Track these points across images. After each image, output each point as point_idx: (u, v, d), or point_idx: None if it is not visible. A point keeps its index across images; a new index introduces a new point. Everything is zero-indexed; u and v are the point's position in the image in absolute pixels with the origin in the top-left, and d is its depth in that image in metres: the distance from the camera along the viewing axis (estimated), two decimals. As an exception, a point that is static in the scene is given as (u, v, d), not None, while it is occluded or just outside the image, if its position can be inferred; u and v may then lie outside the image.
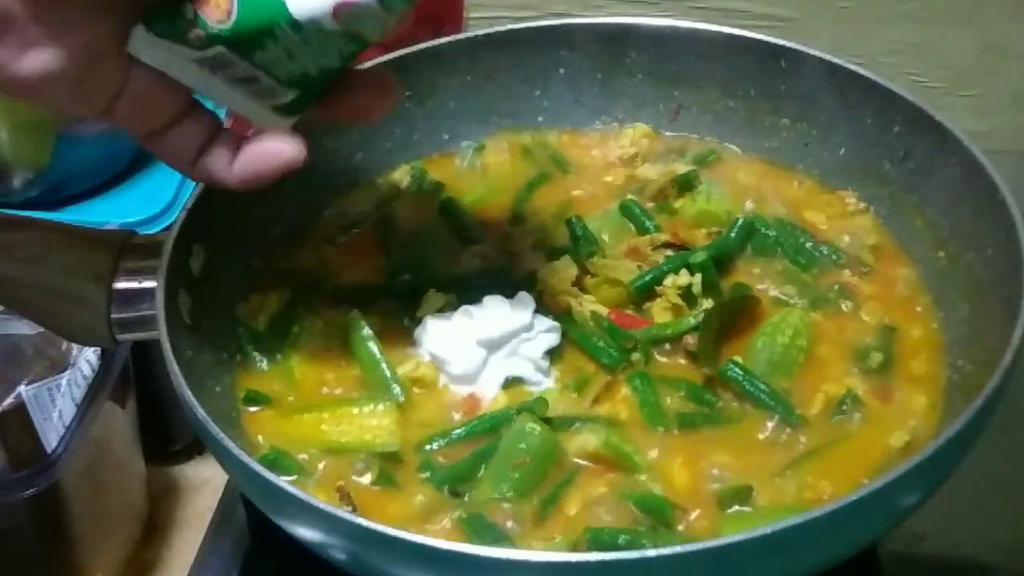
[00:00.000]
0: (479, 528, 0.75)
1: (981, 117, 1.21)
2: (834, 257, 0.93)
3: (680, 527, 0.75)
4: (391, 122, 1.02)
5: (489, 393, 0.84)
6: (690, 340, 0.85)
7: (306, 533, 0.72)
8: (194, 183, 0.87)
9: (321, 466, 0.81)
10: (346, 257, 0.96)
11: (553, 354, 0.86)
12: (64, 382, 0.93)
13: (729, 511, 0.76)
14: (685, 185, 0.98)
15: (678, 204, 0.98)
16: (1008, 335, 0.74)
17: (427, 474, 0.79)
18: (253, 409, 0.85)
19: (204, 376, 0.83)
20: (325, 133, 0.99)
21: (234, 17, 0.66)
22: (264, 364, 0.88)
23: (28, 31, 0.64)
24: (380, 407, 0.83)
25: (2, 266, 0.79)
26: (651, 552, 0.64)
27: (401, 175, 1.03)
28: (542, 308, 0.88)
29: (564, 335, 0.86)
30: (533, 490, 0.78)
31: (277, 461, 0.80)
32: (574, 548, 0.74)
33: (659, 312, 0.88)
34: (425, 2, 1.21)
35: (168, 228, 0.85)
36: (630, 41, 1.03)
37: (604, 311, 0.88)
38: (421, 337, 0.87)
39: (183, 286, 0.84)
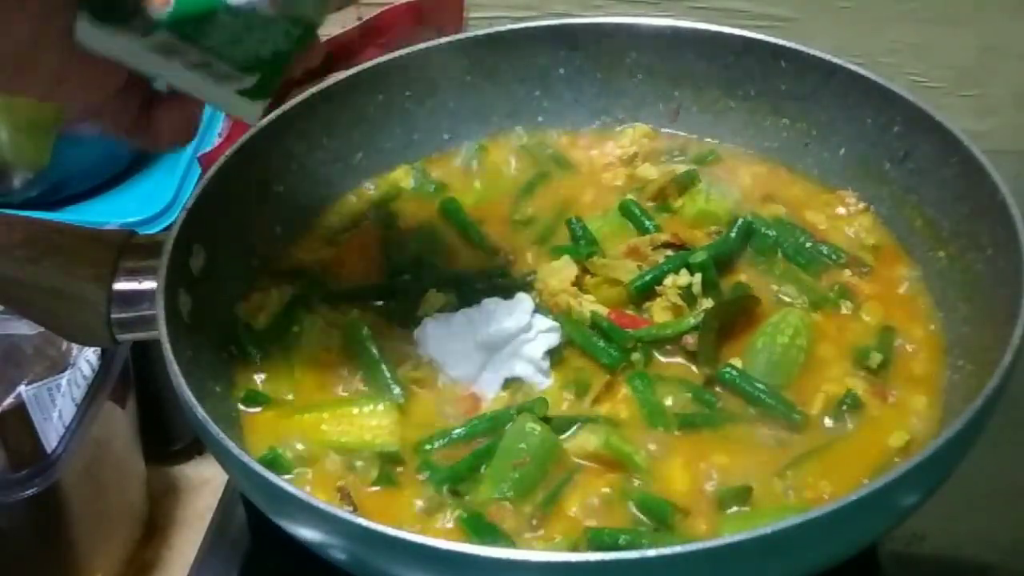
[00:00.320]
0: (479, 528, 0.75)
1: (981, 117, 1.21)
2: (834, 257, 0.93)
3: (680, 527, 0.75)
4: (391, 122, 1.02)
5: (489, 393, 0.84)
6: (690, 340, 0.85)
7: (306, 533, 0.72)
8: (194, 183, 0.86)
9: (321, 466, 0.81)
10: (346, 257, 0.96)
11: (553, 354, 0.86)
12: (64, 382, 0.93)
13: (729, 511, 0.76)
14: (685, 184, 0.98)
15: (678, 204, 0.98)
16: (1008, 335, 0.74)
17: (427, 474, 0.79)
18: (253, 409, 0.85)
19: (204, 376, 0.83)
20: (325, 133, 0.99)
21: (172, 2, 0.67)
22: (264, 364, 0.88)
23: None
24: (380, 407, 0.83)
25: (2, 266, 0.79)
26: (651, 552, 0.64)
27: (401, 175, 1.03)
28: (542, 308, 0.88)
29: (564, 335, 0.86)
30: (533, 490, 0.78)
31: (277, 461, 0.80)
32: (574, 548, 0.74)
33: (659, 312, 0.88)
34: (425, 2, 1.21)
35: (168, 228, 0.85)
36: (630, 41, 1.03)
37: (604, 311, 0.88)
38: (420, 339, 0.87)
39: (183, 286, 0.84)
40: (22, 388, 0.92)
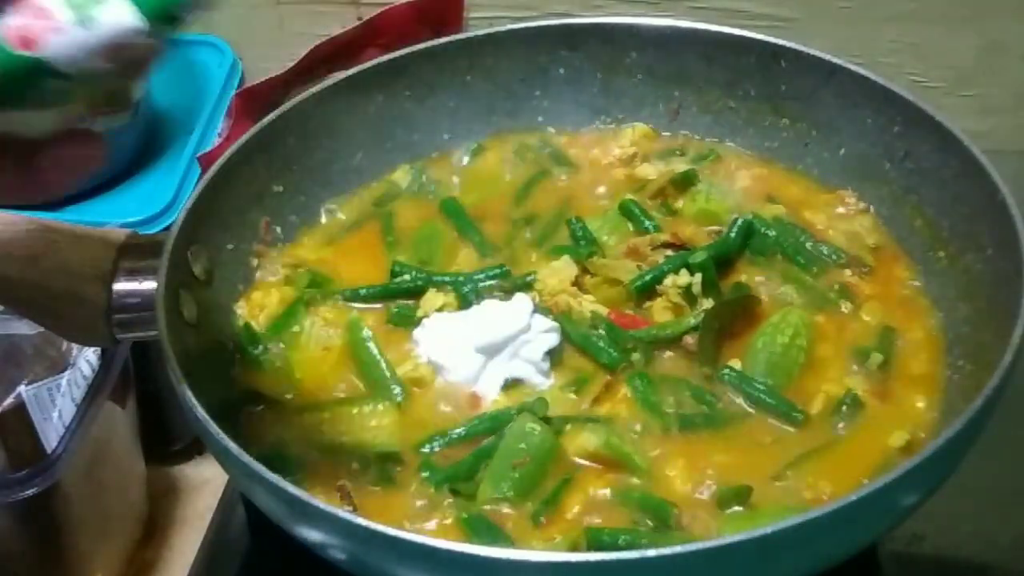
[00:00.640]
0: (479, 528, 0.75)
1: (981, 117, 1.21)
2: (834, 257, 0.93)
3: (680, 527, 0.75)
4: (391, 122, 1.02)
5: (489, 393, 0.84)
6: (690, 340, 0.85)
7: (306, 533, 0.72)
8: (194, 183, 0.86)
9: (321, 466, 0.81)
10: (346, 257, 0.96)
11: (553, 354, 0.86)
12: (64, 382, 0.93)
13: (729, 511, 0.76)
14: (685, 183, 0.98)
15: (678, 204, 0.98)
16: (1008, 335, 0.74)
17: (427, 474, 0.79)
18: (253, 408, 0.85)
19: (204, 376, 0.83)
20: (325, 133, 0.99)
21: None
22: (264, 364, 0.88)
23: None
24: (380, 407, 0.83)
25: (2, 266, 0.79)
26: (651, 552, 0.64)
27: (401, 175, 1.03)
28: (541, 308, 0.88)
29: (564, 335, 0.86)
30: (533, 490, 0.78)
31: (277, 461, 0.80)
32: (574, 548, 0.74)
33: (659, 312, 0.88)
34: (425, 2, 1.21)
35: (168, 228, 0.85)
36: (630, 41, 1.03)
37: (604, 311, 0.88)
38: (420, 340, 0.87)
39: (183, 286, 0.84)
40: (22, 388, 0.92)
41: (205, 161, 1.10)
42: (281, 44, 1.25)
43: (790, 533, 0.65)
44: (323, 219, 0.99)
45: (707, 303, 0.88)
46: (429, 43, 1.03)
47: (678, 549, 0.64)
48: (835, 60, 0.97)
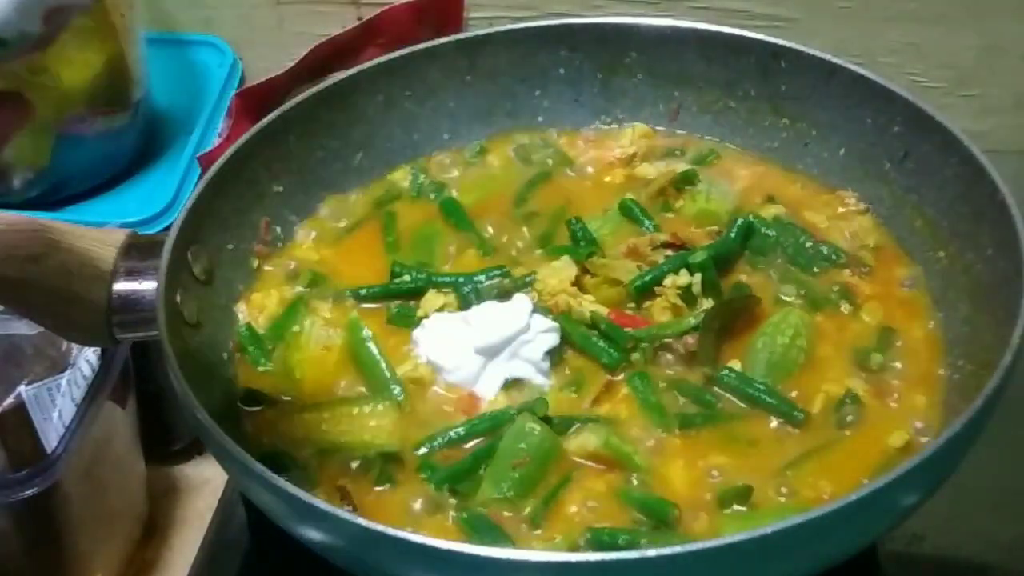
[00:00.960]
0: (479, 528, 0.75)
1: (981, 117, 1.21)
2: (834, 257, 0.93)
3: (680, 527, 0.75)
4: (391, 122, 1.02)
5: (489, 393, 0.84)
6: (690, 340, 0.85)
7: (306, 533, 0.72)
8: (194, 183, 0.86)
9: (321, 466, 0.81)
10: (346, 257, 0.96)
11: (553, 354, 0.86)
12: (64, 382, 0.93)
13: (729, 511, 0.76)
14: (685, 183, 0.98)
15: (678, 204, 0.98)
16: (1008, 335, 0.74)
17: (427, 474, 0.79)
18: (252, 408, 0.85)
19: (204, 376, 0.83)
20: (325, 133, 0.99)
21: None
22: (264, 364, 0.88)
23: None
24: (380, 407, 0.83)
25: (2, 266, 0.79)
26: (651, 552, 0.64)
27: (401, 175, 1.03)
28: (541, 308, 0.88)
29: (564, 335, 0.86)
30: (533, 490, 0.78)
31: (277, 461, 0.80)
32: (574, 548, 0.74)
33: (659, 312, 0.88)
34: (425, 2, 1.21)
35: (168, 228, 0.85)
36: (630, 41, 1.03)
37: (604, 311, 0.88)
38: (420, 341, 0.87)
39: (183, 286, 0.84)
40: (22, 388, 0.92)
41: (205, 161, 1.10)
42: (281, 44, 1.26)
43: (790, 533, 0.65)
44: (323, 219, 0.99)
45: (707, 303, 0.88)
46: (429, 43, 1.03)
47: (678, 549, 0.64)
48: (835, 60, 0.97)
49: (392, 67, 1.01)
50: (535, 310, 0.87)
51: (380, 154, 1.03)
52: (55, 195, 1.14)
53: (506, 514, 0.77)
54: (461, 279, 0.92)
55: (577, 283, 0.90)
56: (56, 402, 0.92)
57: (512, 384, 0.85)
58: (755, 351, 0.85)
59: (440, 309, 0.89)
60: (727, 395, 0.83)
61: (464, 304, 0.89)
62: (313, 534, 0.71)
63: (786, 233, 0.94)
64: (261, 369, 0.88)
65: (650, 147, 1.04)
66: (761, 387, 0.83)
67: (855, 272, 0.92)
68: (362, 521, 0.67)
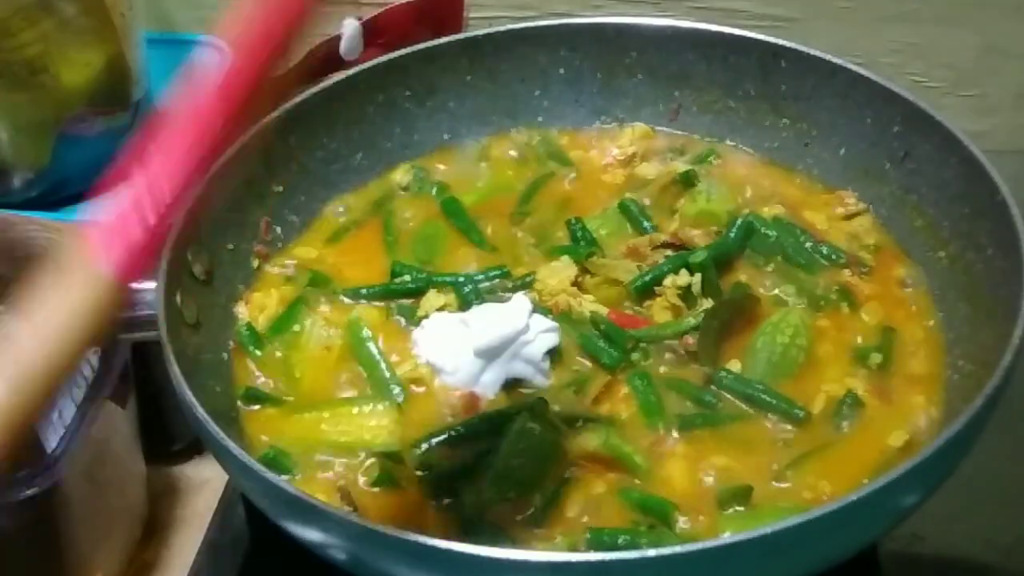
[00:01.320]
0: (479, 528, 0.75)
1: (981, 117, 1.21)
2: (834, 257, 0.93)
3: (680, 527, 0.75)
4: (391, 122, 1.02)
5: (489, 393, 0.84)
6: (690, 340, 0.85)
7: (306, 533, 0.71)
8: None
9: (321, 466, 0.81)
10: (346, 257, 0.96)
11: (553, 354, 0.86)
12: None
13: (729, 511, 0.76)
14: (685, 182, 0.98)
15: (678, 204, 0.98)
16: (1008, 335, 0.74)
17: (427, 473, 0.79)
18: (253, 408, 0.85)
19: (204, 376, 0.83)
20: (325, 133, 0.99)
21: None
22: (264, 363, 0.88)
23: None
24: (380, 407, 0.83)
25: (2, 266, 0.79)
26: (651, 552, 0.64)
27: (401, 175, 1.03)
28: (542, 308, 0.88)
29: (564, 335, 0.86)
30: (533, 490, 0.77)
31: (277, 460, 0.80)
32: (574, 548, 0.74)
33: (659, 312, 0.88)
34: (425, 2, 1.21)
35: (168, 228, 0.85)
36: (630, 41, 1.03)
37: (604, 311, 0.88)
38: (419, 342, 0.87)
39: (183, 286, 0.84)
40: (22, 388, 0.92)
41: (205, 161, 1.10)
42: (281, 44, 1.25)
43: (790, 533, 0.65)
44: (323, 219, 0.99)
45: (707, 303, 0.88)
46: (429, 43, 1.03)
47: (678, 549, 0.64)
48: (835, 60, 0.97)
49: (392, 67, 1.01)
50: (535, 310, 0.87)
51: (380, 154, 1.03)
52: (55, 195, 1.14)
53: (506, 514, 0.77)
54: (461, 279, 0.92)
55: (577, 283, 0.90)
56: (56, 402, 0.92)
57: (512, 384, 0.85)
58: (755, 351, 0.85)
59: (440, 309, 0.89)
60: (727, 395, 0.83)
61: (464, 304, 0.89)
62: (313, 534, 0.71)
63: (786, 233, 0.94)
64: (261, 369, 0.88)
65: (650, 147, 1.04)
66: (761, 387, 0.83)
67: (855, 272, 0.92)
68: (362, 521, 0.67)
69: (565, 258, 0.91)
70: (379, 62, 1.01)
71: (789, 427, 0.81)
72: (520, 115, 1.06)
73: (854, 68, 0.96)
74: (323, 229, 0.99)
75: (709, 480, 0.78)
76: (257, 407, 0.85)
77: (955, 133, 0.88)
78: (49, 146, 1.11)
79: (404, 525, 0.74)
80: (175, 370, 0.76)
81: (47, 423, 0.92)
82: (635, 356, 0.85)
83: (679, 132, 1.05)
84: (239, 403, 0.85)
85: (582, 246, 0.94)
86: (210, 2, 1.29)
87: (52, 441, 0.91)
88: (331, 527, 0.69)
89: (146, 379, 1.00)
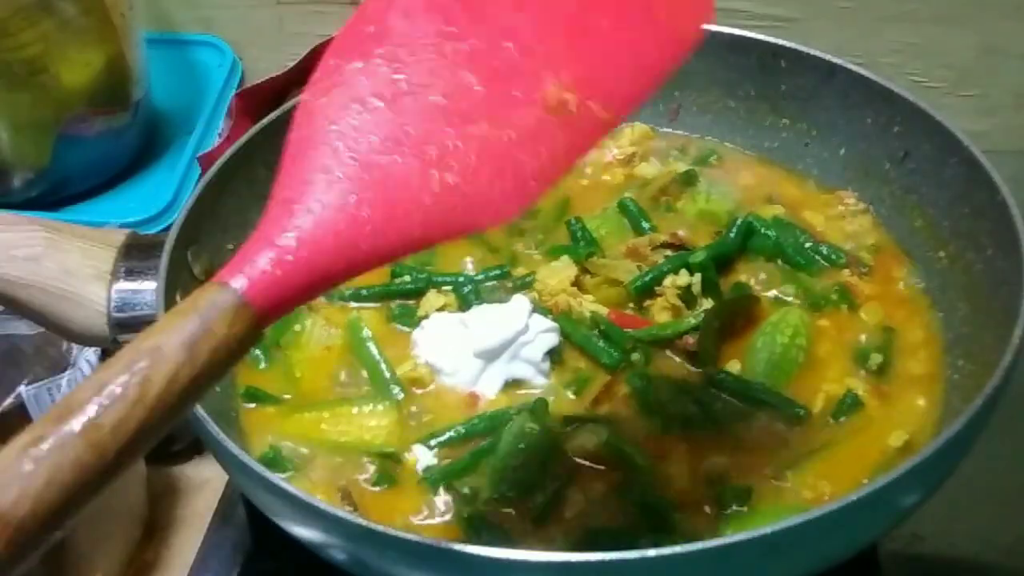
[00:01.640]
0: (479, 528, 0.75)
1: (981, 117, 1.21)
2: (834, 257, 0.93)
3: (680, 527, 0.75)
4: (391, 122, 1.02)
5: (489, 393, 0.84)
6: (690, 340, 0.85)
7: (306, 533, 0.71)
8: (194, 183, 0.86)
9: (321, 466, 0.81)
10: (346, 257, 0.96)
11: (553, 354, 0.86)
12: (64, 382, 0.93)
13: (729, 511, 0.76)
14: (685, 183, 0.98)
15: (678, 204, 0.98)
16: (1008, 335, 0.74)
17: (426, 473, 0.79)
18: (252, 407, 0.85)
19: (204, 376, 0.82)
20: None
21: None
22: (264, 363, 0.88)
23: None
24: (379, 407, 0.83)
25: (2, 266, 0.79)
26: (651, 552, 0.64)
27: (401, 175, 1.02)
28: (541, 309, 0.88)
29: (564, 335, 0.86)
30: (533, 490, 0.77)
31: (276, 460, 0.80)
32: (574, 548, 0.74)
33: (659, 312, 0.88)
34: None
35: (168, 228, 0.85)
36: (630, 41, 1.03)
37: (604, 311, 0.88)
38: (419, 343, 0.87)
39: (183, 286, 0.84)
40: (22, 388, 0.92)
41: (205, 161, 1.10)
42: (281, 44, 1.26)
43: (790, 533, 0.65)
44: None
45: (707, 303, 0.88)
46: (430, 43, 1.02)
47: (678, 549, 0.64)
48: (835, 60, 0.97)
49: (392, 67, 1.01)
50: (535, 310, 0.87)
51: (380, 154, 1.02)
52: (55, 195, 1.14)
53: (506, 514, 0.77)
54: (461, 279, 0.92)
55: (577, 283, 0.90)
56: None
57: (512, 384, 0.85)
58: (755, 351, 0.85)
59: (440, 309, 0.89)
60: (727, 395, 0.83)
61: (464, 304, 0.89)
62: (313, 534, 0.71)
63: (786, 233, 0.94)
64: (261, 368, 0.88)
65: (650, 147, 1.04)
66: (761, 387, 0.82)
67: (855, 272, 0.92)
68: (362, 521, 0.67)
69: (565, 258, 0.91)
70: (379, 62, 1.01)
71: (789, 427, 0.81)
72: (520, 115, 1.06)
73: (854, 68, 0.96)
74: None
75: (709, 480, 0.78)
76: (257, 406, 0.85)
77: (955, 133, 0.88)
78: (49, 146, 1.11)
79: (404, 525, 0.74)
80: (175, 370, 0.76)
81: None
82: (635, 356, 0.85)
83: (679, 132, 1.05)
84: (239, 403, 0.85)
85: (582, 246, 0.94)
86: (210, 2, 1.29)
87: (52, 441, 0.90)
88: (331, 527, 0.69)
89: (146, 379, 1.00)
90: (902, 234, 0.94)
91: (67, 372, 0.94)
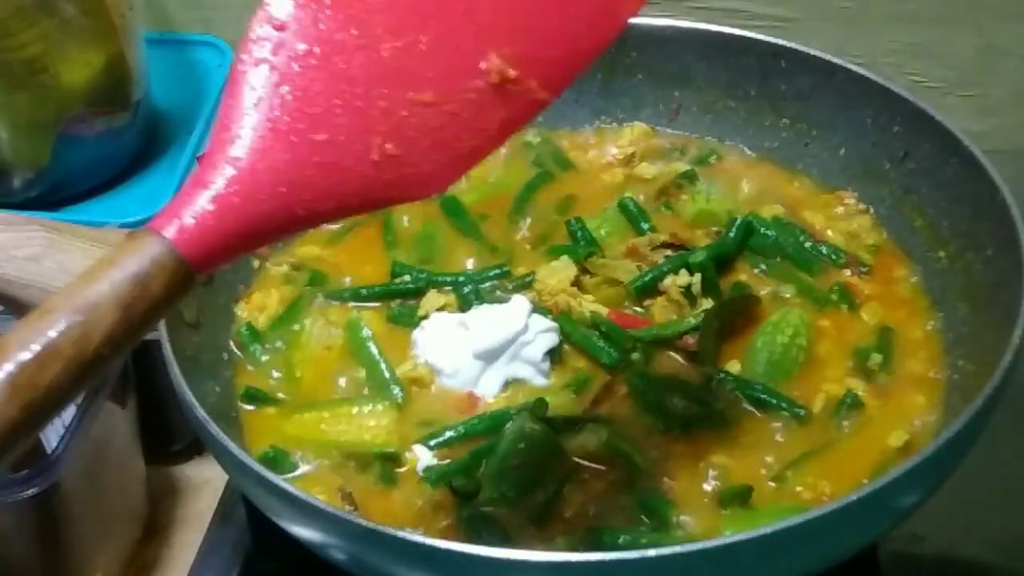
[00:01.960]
0: (479, 528, 0.75)
1: (981, 117, 1.21)
2: (834, 257, 0.93)
3: (680, 527, 0.75)
4: (391, 122, 1.02)
5: (488, 393, 0.84)
6: (690, 340, 0.85)
7: (306, 533, 0.71)
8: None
9: (321, 466, 0.81)
10: (346, 257, 0.96)
11: (553, 354, 0.86)
12: (64, 382, 0.93)
13: (729, 511, 0.76)
14: (685, 182, 0.98)
15: (678, 204, 0.98)
16: (1008, 335, 0.74)
17: (426, 473, 0.79)
18: (252, 407, 0.85)
19: (204, 376, 0.83)
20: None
21: None
22: (264, 363, 0.88)
23: None
24: (379, 407, 0.83)
25: (2, 266, 0.79)
26: (651, 552, 0.64)
27: (401, 175, 1.02)
28: (541, 309, 0.88)
29: (564, 335, 0.86)
30: (533, 490, 0.77)
31: (276, 460, 0.80)
32: (574, 548, 0.74)
33: (659, 312, 0.88)
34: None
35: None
36: (630, 41, 1.03)
37: (604, 311, 0.88)
38: (419, 343, 0.87)
39: (183, 286, 0.84)
40: (22, 388, 0.92)
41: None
42: (281, 44, 1.25)
43: (790, 533, 0.65)
44: (323, 219, 0.99)
45: (707, 303, 0.88)
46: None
47: (678, 549, 0.64)
48: (835, 60, 0.97)
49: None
50: (534, 310, 0.87)
51: (380, 154, 1.02)
52: (55, 195, 1.14)
53: (506, 514, 0.77)
54: (461, 279, 0.92)
55: (577, 283, 0.90)
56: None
57: (512, 384, 0.85)
58: (755, 351, 0.85)
59: (440, 309, 0.89)
60: (727, 395, 0.83)
61: (464, 304, 0.89)
62: (313, 534, 0.71)
63: (786, 233, 0.94)
64: (261, 368, 0.88)
65: (650, 147, 1.04)
66: (761, 387, 0.83)
67: (855, 272, 0.92)
68: (362, 521, 0.67)
69: (565, 258, 0.91)
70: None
71: (789, 427, 0.81)
72: (520, 115, 1.06)
73: (854, 68, 0.96)
74: (323, 229, 0.98)
75: (709, 480, 0.78)
76: (257, 407, 0.85)
77: (955, 133, 0.88)
78: (49, 146, 1.11)
79: (404, 525, 0.74)
80: (175, 370, 0.76)
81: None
82: (635, 356, 0.85)
83: (679, 132, 1.05)
84: (239, 403, 0.85)
85: (582, 246, 0.94)
86: (210, 2, 1.29)
87: (52, 441, 0.91)
88: (331, 527, 0.69)
89: (146, 379, 1.00)
90: (902, 234, 0.94)
91: (67, 372, 0.93)
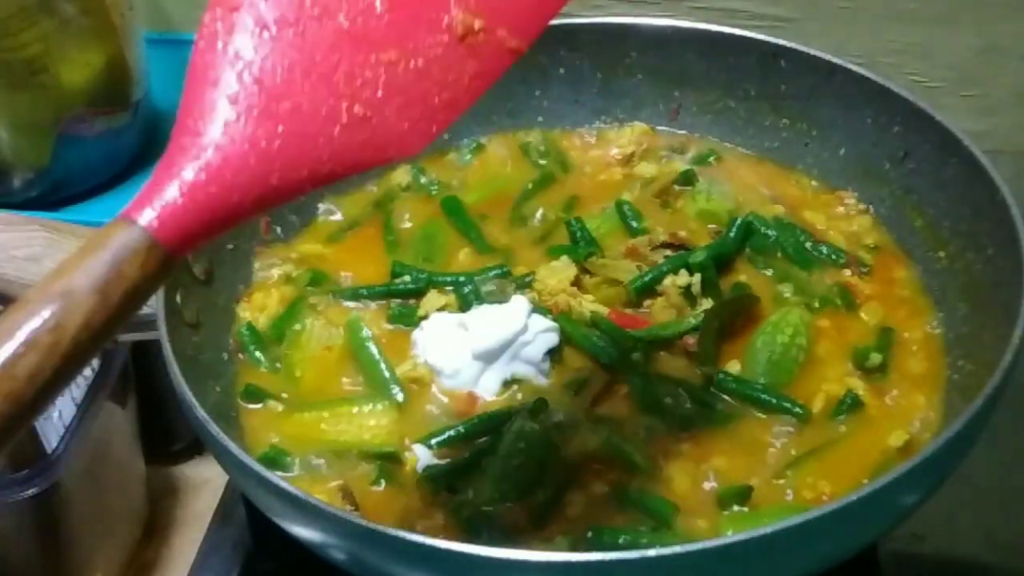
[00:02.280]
0: (479, 528, 0.75)
1: (981, 117, 1.21)
2: (834, 257, 0.93)
3: (680, 527, 0.75)
4: (391, 122, 1.02)
5: (489, 393, 0.84)
6: (690, 340, 0.85)
7: (306, 533, 0.71)
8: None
9: (320, 465, 0.81)
10: (347, 257, 0.96)
11: (553, 354, 0.86)
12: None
13: (729, 511, 0.76)
14: (685, 183, 0.98)
15: (678, 204, 0.98)
16: (1008, 335, 0.74)
17: (426, 473, 0.79)
18: (252, 406, 0.85)
19: (204, 376, 0.83)
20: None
21: None
22: (264, 363, 0.88)
23: None
24: (379, 407, 0.83)
25: (2, 266, 0.79)
26: (651, 552, 0.64)
27: (401, 175, 1.03)
28: (541, 308, 0.88)
29: (564, 335, 0.86)
30: (533, 490, 0.77)
31: (276, 460, 0.80)
32: (574, 548, 0.74)
33: (659, 312, 0.88)
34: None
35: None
36: (630, 41, 1.03)
37: (604, 311, 0.88)
38: (418, 343, 0.87)
39: (183, 286, 0.84)
40: (22, 388, 0.92)
41: (205, 161, 1.10)
42: (281, 44, 1.25)
43: (790, 533, 0.65)
44: (323, 219, 0.99)
45: (707, 303, 0.88)
46: (430, 43, 1.02)
47: (678, 549, 0.64)
48: (835, 60, 0.97)
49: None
50: (534, 310, 0.87)
51: (380, 154, 1.02)
52: (55, 195, 1.14)
53: (506, 514, 0.77)
54: (461, 279, 0.91)
55: (577, 283, 0.90)
56: (56, 402, 0.92)
57: (512, 384, 0.85)
58: (755, 350, 0.85)
59: (440, 309, 0.89)
60: (727, 395, 0.83)
61: (464, 304, 0.89)
62: (313, 534, 0.71)
63: (786, 233, 0.94)
64: (261, 368, 0.88)
65: (650, 147, 1.04)
66: (761, 387, 0.83)
67: (855, 272, 0.92)
68: (362, 521, 0.67)
69: (565, 258, 0.91)
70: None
71: (789, 427, 0.81)
72: (520, 115, 1.06)
73: (854, 68, 0.96)
74: (323, 229, 0.99)
75: (709, 480, 0.78)
76: (257, 406, 0.85)
77: (955, 133, 0.88)
78: (49, 146, 1.11)
79: (404, 525, 0.74)
80: (175, 370, 0.76)
81: (47, 423, 0.92)
82: (635, 356, 0.85)
83: (679, 132, 1.05)
84: (239, 402, 0.85)
85: (582, 246, 0.94)
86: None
87: (52, 441, 0.91)
88: (331, 527, 0.69)
89: (146, 379, 1.01)
90: (902, 234, 0.94)
91: (67, 372, 0.93)
